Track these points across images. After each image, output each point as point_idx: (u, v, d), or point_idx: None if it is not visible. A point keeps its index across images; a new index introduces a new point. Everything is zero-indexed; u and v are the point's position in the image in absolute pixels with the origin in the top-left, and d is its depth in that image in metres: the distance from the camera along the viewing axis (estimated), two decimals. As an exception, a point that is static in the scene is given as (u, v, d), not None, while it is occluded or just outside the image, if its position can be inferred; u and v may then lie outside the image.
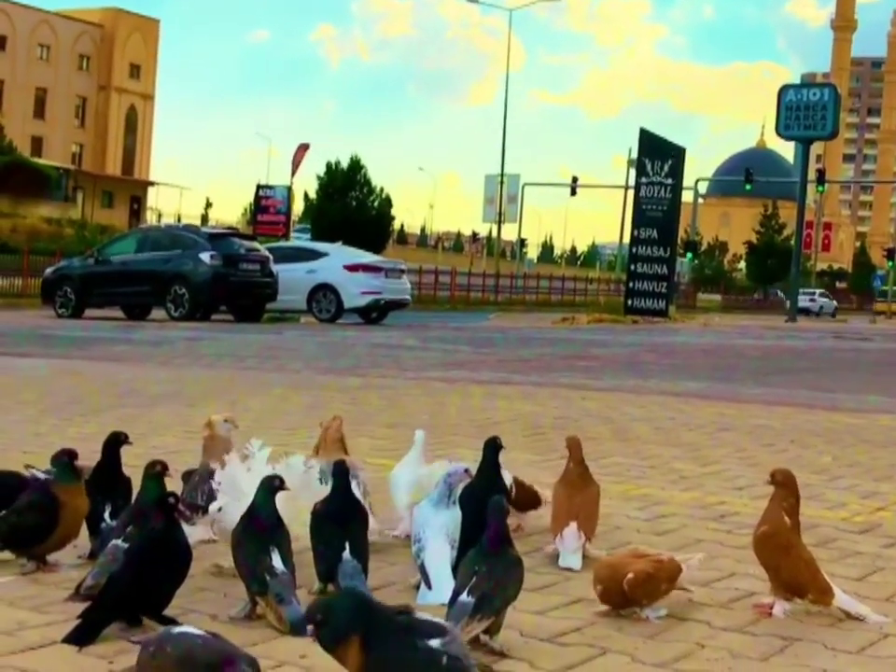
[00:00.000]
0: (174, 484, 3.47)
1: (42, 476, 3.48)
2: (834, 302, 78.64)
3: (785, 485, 3.32)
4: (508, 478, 3.71)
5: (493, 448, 3.63)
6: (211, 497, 3.71)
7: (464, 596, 2.75)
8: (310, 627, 2.10)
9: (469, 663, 2.22)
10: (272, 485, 3.07)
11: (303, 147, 52.63)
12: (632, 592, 3.09)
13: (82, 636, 2.64)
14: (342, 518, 3.24)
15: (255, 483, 3.11)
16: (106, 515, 3.45)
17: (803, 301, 65.77)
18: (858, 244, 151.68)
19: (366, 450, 5.65)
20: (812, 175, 56.35)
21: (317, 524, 3.25)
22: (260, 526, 3.03)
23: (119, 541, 3.09)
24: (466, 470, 3.33)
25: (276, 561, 2.95)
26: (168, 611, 2.88)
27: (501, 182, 63.59)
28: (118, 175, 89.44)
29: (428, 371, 11.82)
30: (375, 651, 2.09)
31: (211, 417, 3.91)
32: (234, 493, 3.31)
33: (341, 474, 3.33)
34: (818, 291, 79.51)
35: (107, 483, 3.51)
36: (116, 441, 3.59)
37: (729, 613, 3.27)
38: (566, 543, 3.68)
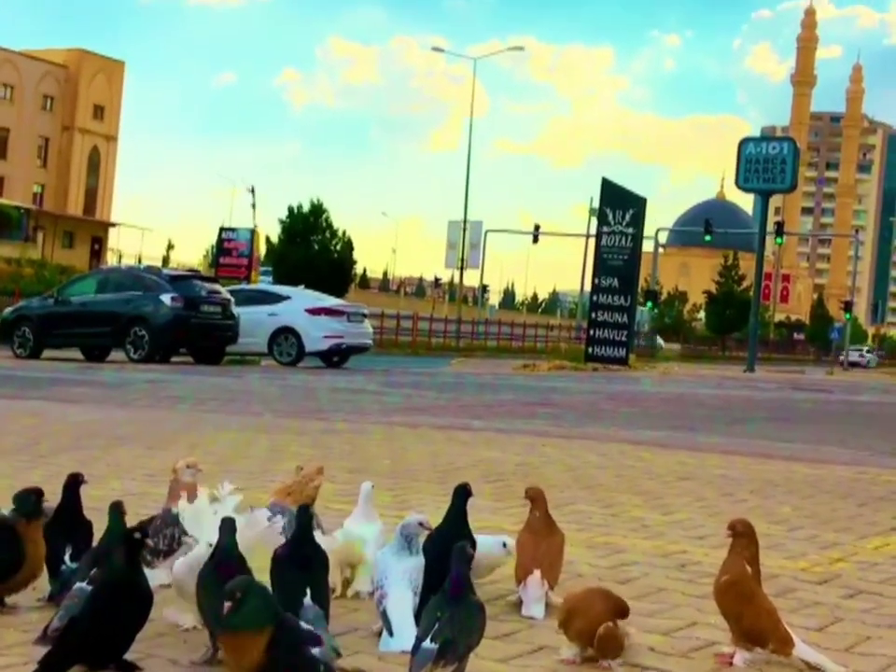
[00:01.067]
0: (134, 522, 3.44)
1: (5, 514, 3.45)
2: (877, 356, 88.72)
3: (745, 535, 3.34)
4: None
5: (462, 494, 3.62)
6: (172, 541, 3.69)
7: (427, 643, 2.74)
8: (227, 603, 2.14)
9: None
10: (234, 527, 3.06)
11: (252, 190, 52.85)
12: (600, 645, 3.10)
13: (41, 680, 2.61)
14: (303, 563, 3.22)
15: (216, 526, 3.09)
16: (66, 557, 3.42)
17: (853, 356, 78.59)
18: (815, 295, 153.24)
19: (327, 494, 5.62)
20: (771, 228, 56.94)
21: (279, 568, 3.22)
22: (227, 572, 3.01)
23: (83, 584, 3.06)
24: (420, 523, 3.32)
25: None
26: (128, 656, 2.85)
27: (464, 228, 63.87)
28: (79, 215, 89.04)
29: (390, 416, 11.81)
30: (278, 647, 2.14)
31: (176, 464, 3.89)
32: (195, 529, 3.28)
33: (305, 519, 3.31)
34: (865, 347, 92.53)
35: (68, 525, 3.48)
36: (75, 483, 3.57)
37: (690, 663, 3.28)
38: (529, 592, 3.68)
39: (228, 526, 3.04)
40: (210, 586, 2.96)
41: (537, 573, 3.68)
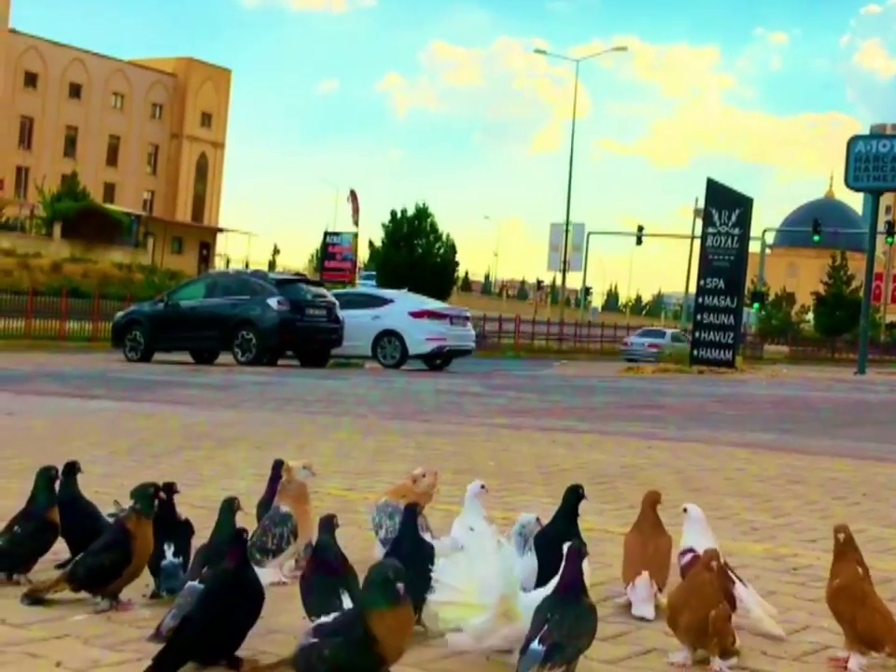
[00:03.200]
0: (247, 522, 3.49)
1: (116, 512, 3.61)
2: None
3: (851, 539, 3.29)
4: None
5: (575, 495, 3.62)
6: (281, 540, 3.73)
7: (535, 644, 2.73)
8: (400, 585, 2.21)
9: None
10: (333, 526, 3.13)
11: (353, 194, 53.25)
12: (715, 628, 3.06)
13: (156, 675, 2.66)
14: (405, 561, 3.27)
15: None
16: (169, 554, 3.49)
17: None
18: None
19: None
20: (882, 227, 55.75)
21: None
22: (329, 570, 3.05)
23: (194, 582, 3.11)
24: (537, 519, 3.32)
25: (347, 604, 2.96)
26: (240, 653, 2.89)
27: (566, 230, 63.66)
28: (187, 221, 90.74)
29: (493, 418, 11.80)
30: None
31: (289, 462, 3.93)
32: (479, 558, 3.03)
33: (407, 517, 3.38)
34: None
35: (167, 524, 3.54)
36: (168, 489, 3.63)
37: (803, 667, 3.22)
38: (638, 591, 3.64)
39: (326, 526, 3.12)
40: (315, 586, 3.02)
41: (645, 574, 3.64)
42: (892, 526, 5.72)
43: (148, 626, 3.18)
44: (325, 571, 3.08)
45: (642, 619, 3.59)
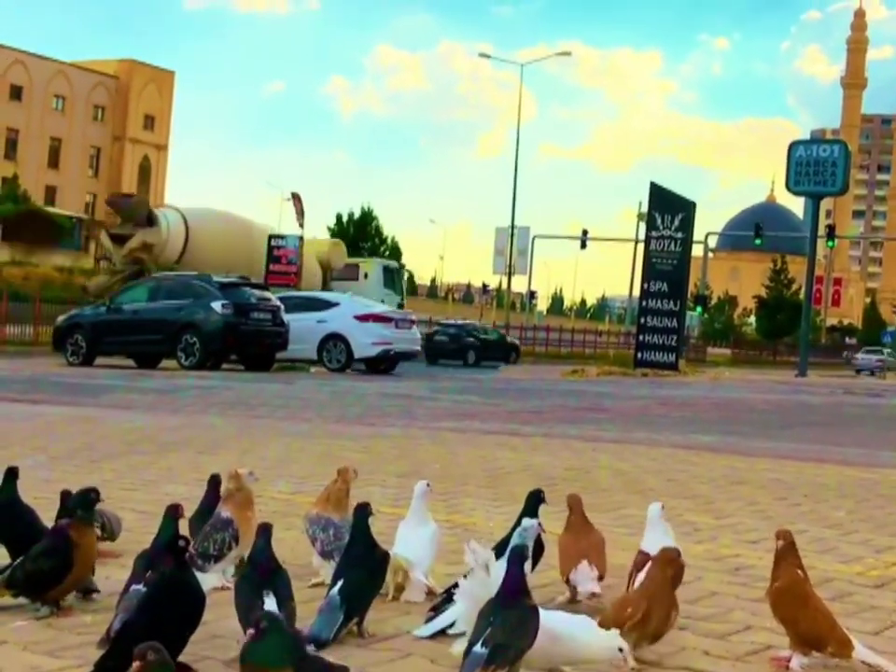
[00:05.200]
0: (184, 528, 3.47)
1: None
2: None
3: (792, 543, 3.33)
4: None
5: (536, 498, 3.68)
6: (223, 546, 3.71)
7: (478, 647, 2.73)
8: (250, 631, 2.16)
9: None
10: (269, 533, 3.19)
11: (296, 196, 52.98)
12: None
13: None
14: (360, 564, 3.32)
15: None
16: None
17: None
18: (867, 299, 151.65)
19: (378, 499, 5.63)
20: (822, 231, 56.44)
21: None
22: (259, 571, 3.12)
23: (138, 586, 3.08)
24: (540, 524, 3.34)
25: (270, 605, 2.99)
26: (182, 657, 2.87)
27: (512, 234, 63.79)
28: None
29: (439, 422, 11.80)
30: None
31: (237, 470, 3.90)
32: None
33: (358, 517, 3.45)
34: None
35: None
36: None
37: (746, 667, 3.25)
38: (580, 574, 3.72)
39: (263, 532, 3.19)
40: (241, 587, 3.12)
41: (584, 562, 3.74)
42: (833, 527, 5.78)
43: (89, 633, 3.15)
44: (253, 573, 3.16)
45: (593, 595, 3.62)
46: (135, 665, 2.15)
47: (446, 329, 40.97)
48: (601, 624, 3.02)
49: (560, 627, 2.93)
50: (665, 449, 9.78)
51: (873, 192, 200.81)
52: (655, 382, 29.82)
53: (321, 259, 31.90)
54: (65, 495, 3.85)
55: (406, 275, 40.60)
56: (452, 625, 3.30)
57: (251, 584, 3.12)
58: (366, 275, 35.21)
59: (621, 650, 2.92)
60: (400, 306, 36.27)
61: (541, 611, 2.92)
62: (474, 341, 40.09)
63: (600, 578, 3.77)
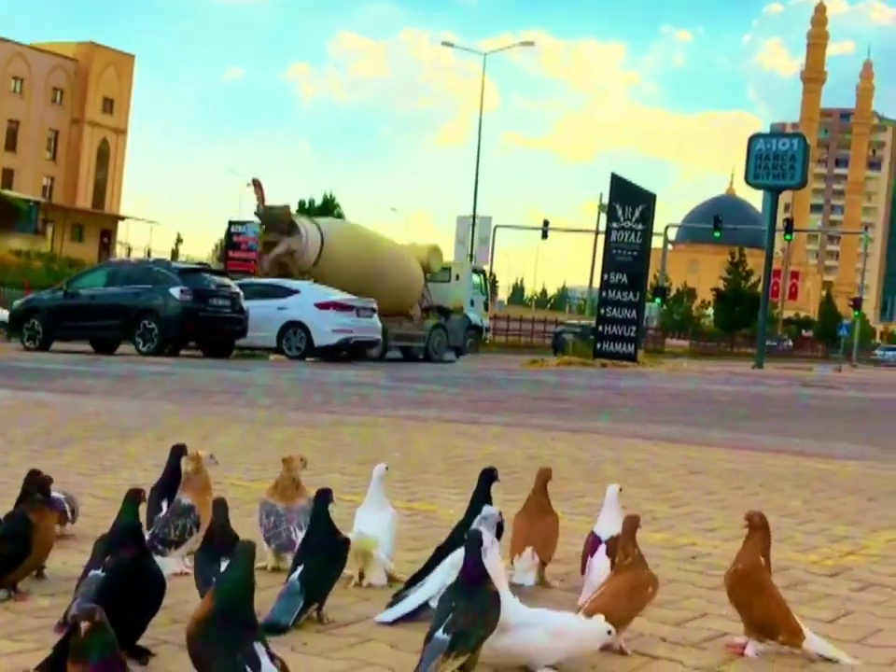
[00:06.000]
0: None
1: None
2: None
3: (761, 528, 3.34)
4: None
5: (488, 478, 3.70)
6: (184, 531, 3.71)
7: (439, 633, 2.74)
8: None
9: None
10: (224, 507, 3.32)
11: (256, 183, 52.69)
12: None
13: (55, 665, 2.61)
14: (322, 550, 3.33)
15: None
16: None
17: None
18: (824, 293, 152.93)
19: (337, 486, 5.62)
20: (780, 224, 56.87)
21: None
22: (217, 543, 3.24)
23: (97, 571, 3.07)
24: (500, 513, 3.36)
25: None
26: (142, 641, 2.87)
27: (473, 224, 63.82)
28: (88, 208, 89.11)
29: (399, 410, 11.81)
30: None
31: (198, 452, 3.90)
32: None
33: (318, 503, 3.45)
34: None
35: None
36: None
37: (701, 653, 3.28)
38: (521, 562, 3.83)
39: (219, 508, 3.32)
40: (197, 555, 3.32)
41: (528, 549, 3.82)
42: (789, 516, 5.85)
43: (48, 616, 3.14)
44: (211, 545, 3.26)
45: (521, 586, 3.69)
46: (73, 629, 2.13)
47: (572, 329, 51.15)
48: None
49: (558, 624, 2.95)
50: (623, 439, 9.85)
51: (831, 187, 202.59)
52: (614, 372, 29.98)
53: (422, 262, 34.77)
54: (33, 475, 3.81)
55: (491, 279, 43.20)
56: (426, 606, 3.31)
57: (209, 555, 3.23)
58: (457, 277, 37.90)
59: (609, 632, 2.98)
60: (486, 305, 40.28)
61: (531, 610, 2.95)
62: (567, 336, 48.96)
63: (543, 564, 3.87)
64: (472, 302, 37.66)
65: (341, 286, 29.23)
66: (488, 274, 43.91)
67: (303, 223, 31.77)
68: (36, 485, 3.42)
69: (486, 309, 40.68)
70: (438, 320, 34.12)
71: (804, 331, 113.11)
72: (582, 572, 3.82)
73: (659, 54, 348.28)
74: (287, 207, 32.29)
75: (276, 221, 31.59)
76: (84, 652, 2.08)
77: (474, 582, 2.81)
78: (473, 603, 2.78)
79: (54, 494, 4.00)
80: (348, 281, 29.87)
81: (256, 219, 36.30)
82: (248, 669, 2.37)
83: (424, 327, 33.17)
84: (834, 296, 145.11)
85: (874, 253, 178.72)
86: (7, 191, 75.98)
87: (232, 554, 2.62)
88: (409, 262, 34.29)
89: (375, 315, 27.43)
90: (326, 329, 25.10)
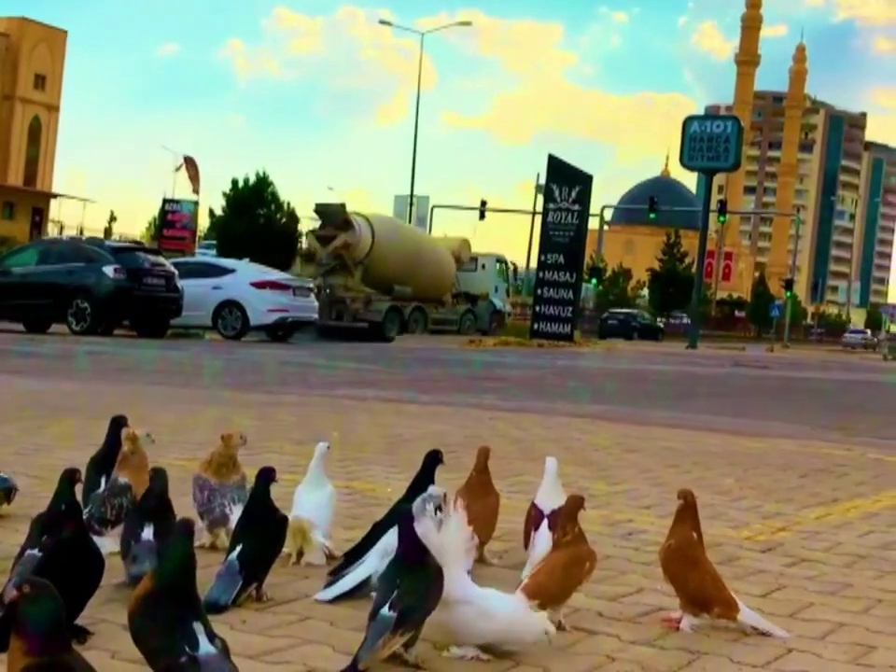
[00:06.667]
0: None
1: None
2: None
3: (692, 505, 3.40)
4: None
5: (433, 459, 3.72)
6: (121, 511, 3.69)
7: (385, 610, 2.75)
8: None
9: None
10: (160, 476, 3.47)
11: (189, 161, 52.30)
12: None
13: (-7, 644, 2.59)
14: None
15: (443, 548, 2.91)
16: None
17: (853, 338, 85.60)
18: (757, 274, 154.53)
19: (275, 465, 5.59)
20: (714, 206, 57.35)
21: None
22: (146, 507, 3.42)
23: (33, 551, 3.04)
24: (444, 495, 3.37)
25: (147, 535, 3.31)
26: (79, 621, 2.85)
27: (410, 203, 63.70)
28: (19, 185, 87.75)
29: (337, 389, 11.80)
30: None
31: (135, 431, 3.87)
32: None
33: (259, 482, 3.49)
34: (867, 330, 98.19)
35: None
36: None
37: (637, 627, 3.33)
38: None
39: (155, 476, 3.44)
40: (130, 519, 3.49)
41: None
42: (722, 494, 5.93)
43: (-17, 597, 3.10)
44: (140, 508, 3.42)
45: None
46: (13, 594, 2.11)
47: (616, 315, 61.93)
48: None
49: (494, 606, 2.94)
50: (560, 418, 9.91)
51: (764, 169, 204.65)
52: (551, 352, 30.13)
53: (453, 253, 38.85)
54: None
55: (512, 268, 47.59)
56: (364, 584, 3.33)
57: (135, 517, 3.38)
58: (483, 266, 42.19)
59: (547, 633, 2.94)
60: (508, 292, 46.30)
61: (479, 589, 2.95)
62: (636, 324, 60.21)
63: (482, 543, 3.88)
64: (496, 289, 42.78)
65: (388, 275, 33.95)
66: (509, 263, 47.37)
67: (356, 219, 34.75)
68: None
69: (508, 296, 46.37)
70: (467, 306, 38.51)
71: (736, 312, 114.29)
72: (526, 546, 3.86)
73: (596, 35, 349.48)
74: (342, 205, 35.11)
75: (332, 217, 34.68)
76: (28, 620, 2.07)
77: (417, 559, 2.83)
78: (418, 579, 2.79)
79: (1, 474, 4.00)
80: (393, 270, 34.34)
81: (190, 197, 36.70)
82: (186, 648, 2.37)
83: (456, 311, 38.19)
84: (767, 277, 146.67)
85: (805, 235, 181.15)
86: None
87: (172, 533, 2.61)
88: (443, 253, 38.23)
89: (312, 295, 27.34)
90: (262, 309, 24.95)
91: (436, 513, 3.18)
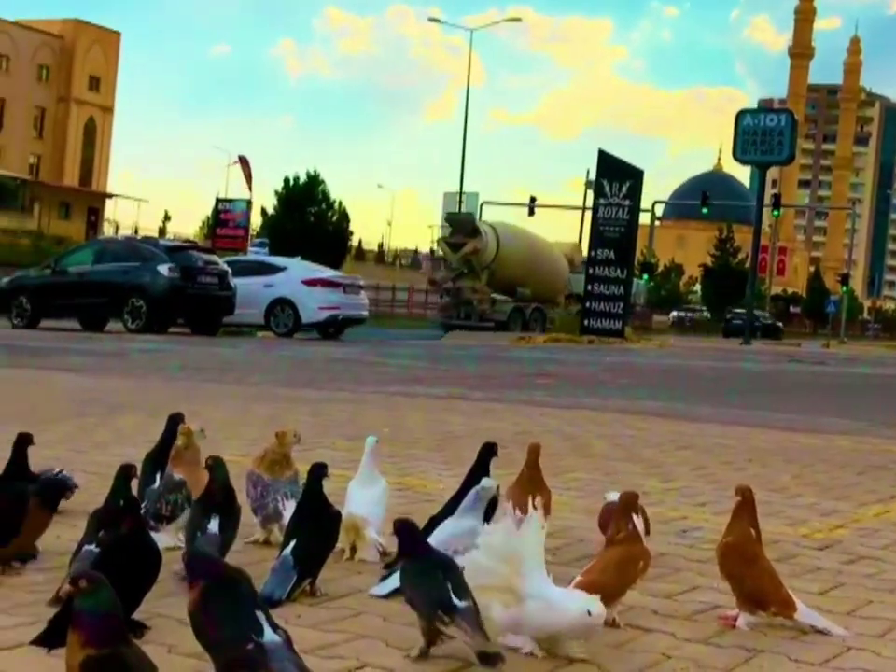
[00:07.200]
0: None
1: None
2: None
3: (750, 501, 3.36)
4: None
5: (488, 453, 3.74)
6: (175, 507, 3.71)
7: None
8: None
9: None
10: (221, 466, 3.48)
11: (243, 160, 52.61)
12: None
13: (51, 638, 2.62)
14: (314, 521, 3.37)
15: (524, 545, 2.87)
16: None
17: None
18: (812, 269, 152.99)
19: (327, 461, 5.61)
20: (768, 200, 56.89)
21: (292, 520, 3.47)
22: (211, 498, 3.43)
23: (91, 546, 3.07)
24: (498, 487, 3.37)
25: (213, 527, 3.35)
26: (136, 615, 2.87)
27: (460, 200, 63.66)
28: (75, 186, 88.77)
29: (387, 386, 11.81)
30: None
31: (189, 427, 3.89)
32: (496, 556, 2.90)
33: (311, 477, 3.50)
34: None
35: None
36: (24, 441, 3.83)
37: (693, 625, 3.30)
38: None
39: (217, 465, 3.47)
40: (196, 509, 3.48)
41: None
42: (778, 491, 5.87)
43: (41, 591, 3.14)
44: (205, 499, 3.40)
45: None
46: (68, 588, 2.13)
47: (740, 316, 62.51)
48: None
49: (561, 599, 2.87)
50: (612, 414, 9.87)
51: (818, 162, 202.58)
52: (602, 349, 30.01)
53: (567, 257, 42.32)
54: (22, 438, 3.85)
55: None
56: None
57: (200, 508, 3.39)
58: None
59: (590, 612, 2.83)
60: None
61: (554, 588, 2.87)
62: (758, 324, 61.66)
63: None
64: None
65: (511, 278, 37.11)
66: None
67: (484, 227, 38.06)
68: (51, 485, 3.47)
69: None
70: (578, 307, 39.63)
71: (791, 307, 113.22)
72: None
73: (646, 30, 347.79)
74: (471, 214, 40.43)
75: (462, 225, 38.38)
76: (86, 612, 2.09)
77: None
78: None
79: (64, 472, 4.06)
80: (516, 273, 37.43)
81: (243, 196, 37.08)
82: (252, 635, 2.36)
83: (569, 312, 40.65)
84: (822, 272, 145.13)
85: (861, 228, 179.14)
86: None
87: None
88: (558, 257, 41.31)
89: (362, 292, 27.44)
90: (313, 306, 25.07)
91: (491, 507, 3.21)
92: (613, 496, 3.79)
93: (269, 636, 2.36)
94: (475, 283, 37.84)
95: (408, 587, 2.90)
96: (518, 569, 2.83)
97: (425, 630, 2.81)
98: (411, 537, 2.93)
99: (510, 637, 2.91)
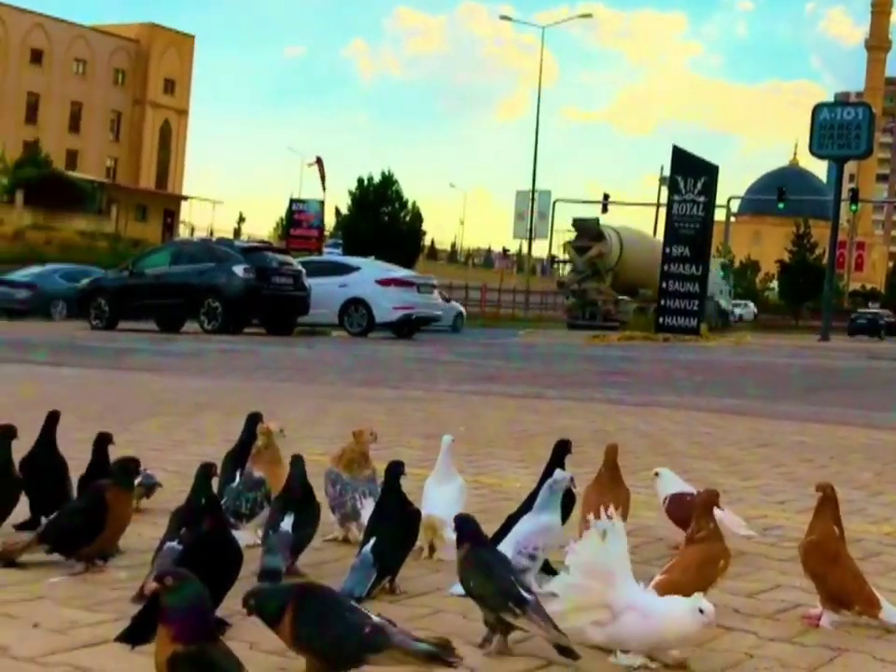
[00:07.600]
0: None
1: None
2: None
3: (832, 498, 3.31)
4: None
5: (563, 449, 3.73)
6: (255, 505, 3.74)
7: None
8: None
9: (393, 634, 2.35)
10: (299, 463, 3.56)
11: (319, 161, 52.98)
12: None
13: (135, 635, 2.65)
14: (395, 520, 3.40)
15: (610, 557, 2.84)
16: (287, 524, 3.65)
17: None
18: (891, 264, 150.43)
19: (404, 459, 5.63)
20: (845, 195, 56.09)
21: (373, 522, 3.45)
22: (289, 495, 3.48)
23: (173, 543, 3.11)
24: (571, 479, 3.36)
25: (286, 524, 3.40)
26: (218, 613, 2.89)
27: (532, 198, 63.54)
28: (151, 188, 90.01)
29: (462, 385, 11.82)
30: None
31: (268, 426, 3.92)
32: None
33: (389, 475, 3.51)
34: None
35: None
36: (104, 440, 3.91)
37: (776, 624, 3.26)
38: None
39: (296, 462, 3.52)
40: (274, 505, 3.53)
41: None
42: (860, 489, 5.78)
43: (125, 588, 3.18)
44: (283, 496, 3.45)
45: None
46: (153, 586, 2.15)
47: (864, 315, 66.58)
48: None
49: (654, 605, 2.82)
50: (688, 412, 9.78)
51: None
52: (677, 346, 29.77)
53: None
54: (102, 438, 3.91)
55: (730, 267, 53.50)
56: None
57: (278, 505, 3.44)
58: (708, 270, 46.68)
59: (701, 610, 2.75)
60: (731, 293, 53.41)
61: (645, 595, 2.84)
62: (884, 323, 63.99)
63: None
64: (721, 291, 48.39)
65: (633, 279, 39.42)
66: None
67: (608, 231, 40.33)
68: (120, 465, 3.48)
69: (731, 297, 52.72)
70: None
71: (870, 303, 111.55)
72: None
73: (720, 24, 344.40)
74: (596, 219, 41.02)
75: (588, 230, 40.46)
76: (174, 608, 2.11)
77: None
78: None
79: (146, 471, 4.13)
80: (638, 275, 39.41)
81: (316, 197, 37.27)
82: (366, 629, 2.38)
83: None
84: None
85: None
86: (71, 172, 76.88)
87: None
88: None
89: (436, 292, 27.49)
90: (387, 306, 25.17)
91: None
92: (664, 471, 3.79)
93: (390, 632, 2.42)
94: (600, 284, 40.12)
95: (472, 576, 2.85)
96: (610, 582, 2.80)
97: (492, 623, 2.80)
98: (471, 526, 2.91)
99: (620, 656, 2.85)
